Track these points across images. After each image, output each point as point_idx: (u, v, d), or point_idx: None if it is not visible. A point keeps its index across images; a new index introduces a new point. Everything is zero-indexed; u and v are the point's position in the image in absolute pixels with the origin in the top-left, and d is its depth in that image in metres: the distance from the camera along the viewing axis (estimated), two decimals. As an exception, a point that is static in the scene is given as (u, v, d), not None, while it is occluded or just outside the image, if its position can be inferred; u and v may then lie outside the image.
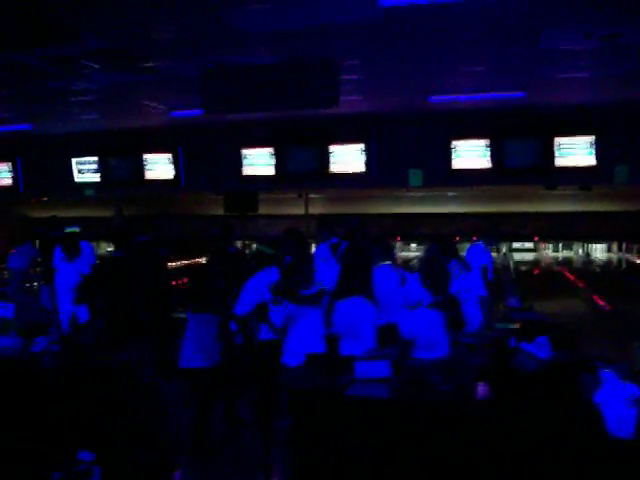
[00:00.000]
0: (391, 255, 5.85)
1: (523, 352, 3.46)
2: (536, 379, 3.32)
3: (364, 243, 5.93)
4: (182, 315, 6.12)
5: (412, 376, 3.46)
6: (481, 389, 3.44)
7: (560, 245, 19.16)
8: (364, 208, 18.96)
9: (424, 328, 3.99)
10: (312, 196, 17.73)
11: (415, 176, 10.18)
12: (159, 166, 10.74)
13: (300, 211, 18.31)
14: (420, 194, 17.99)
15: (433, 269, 4.42)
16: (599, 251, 18.77)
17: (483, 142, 9.44)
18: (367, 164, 9.78)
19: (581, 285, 14.00)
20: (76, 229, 8.82)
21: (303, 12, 4.77)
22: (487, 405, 3.32)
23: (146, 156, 10.77)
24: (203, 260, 18.98)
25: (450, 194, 18.02)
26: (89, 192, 11.73)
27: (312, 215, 18.85)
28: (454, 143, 9.56)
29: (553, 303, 11.39)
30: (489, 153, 9.42)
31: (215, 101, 5.56)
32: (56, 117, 10.07)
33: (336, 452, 3.30)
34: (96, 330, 4.68)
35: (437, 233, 18.99)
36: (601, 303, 11.61)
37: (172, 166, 10.65)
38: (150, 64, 6.72)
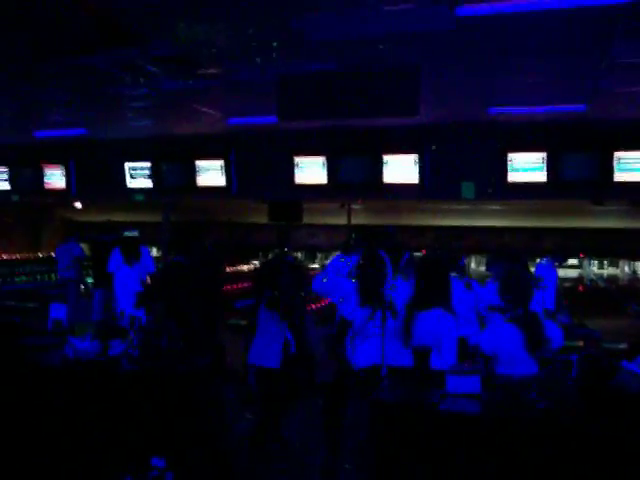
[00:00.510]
0: (458, 267, 5.78)
1: (626, 371, 3.33)
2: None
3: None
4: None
5: (504, 392, 3.37)
6: (579, 407, 3.33)
7: (605, 262, 18.82)
8: (407, 220, 18.85)
9: (505, 343, 3.90)
10: (355, 207, 17.71)
11: (467, 189, 10.06)
12: (211, 173, 10.77)
13: (342, 221, 18.30)
14: (464, 207, 17.83)
15: (516, 282, 4.30)
16: (647, 268, 18.40)
17: (540, 155, 9.29)
18: (420, 175, 9.69)
19: (629, 303, 13.71)
20: (135, 233, 8.83)
21: (379, 22, 4.74)
22: (590, 425, 3.20)
23: (198, 163, 10.81)
24: (245, 268, 19.11)
25: (494, 207, 17.81)
26: (139, 197, 11.82)
27: (354, 226, 18.86)
28: (510, 156, 9.42)
29: (603, 321, 11.16)
30: (545, 166, 9.26)
31: (292, 108, 5.53)
32: (111, 122, 10.18)
33: (428, 468, 3.22)
34: (171, 335, 4.67)
35: (479, 246, 18.92)
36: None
37: (224, 173, 10.67)
38: (213, 70, 6.76)
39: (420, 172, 9.69)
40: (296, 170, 10.26)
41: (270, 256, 22.19)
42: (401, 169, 9.78)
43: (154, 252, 20.69)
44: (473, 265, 19.07)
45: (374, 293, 4.45)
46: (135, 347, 4.27)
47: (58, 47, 5.86)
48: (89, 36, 5.71)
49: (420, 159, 9.67)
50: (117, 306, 7.31)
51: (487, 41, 5.64)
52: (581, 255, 18.54)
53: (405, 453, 3.27)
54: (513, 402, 3.28)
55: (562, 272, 18.87)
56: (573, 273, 18.94)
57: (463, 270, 6.87)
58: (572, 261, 18.81)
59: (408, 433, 3.28)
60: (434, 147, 9.40)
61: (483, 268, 18.79)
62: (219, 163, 10.68)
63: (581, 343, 5.56)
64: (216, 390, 4.53)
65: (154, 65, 6.42)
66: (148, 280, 7.63)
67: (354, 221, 18.61)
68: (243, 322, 7.45)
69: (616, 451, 3.02)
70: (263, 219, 16.15)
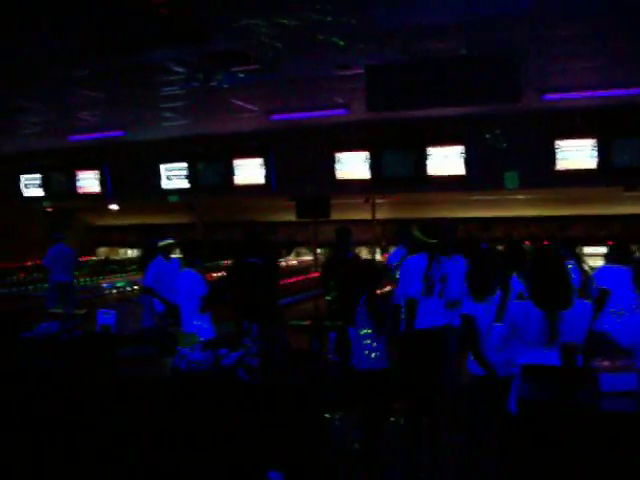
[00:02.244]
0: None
1: None
2: None
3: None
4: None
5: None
6: None
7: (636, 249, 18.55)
8: (431, 212, 18.67)
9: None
10: (378, 201, 17.55)
11: (511, 178, 9.90)
12: (249, 171, 10.61)
13: (366, 216, 18.15)
14: (489, 197, 17.65)
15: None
16: (678, 255, 18.10)
17: (590, 142, 9.10)
18: (466, 167, 9.51)
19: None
20: (170, 241, 8.69)
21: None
22: None
23: (236, 161, 10.65)
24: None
25: (521, 197, 17.60)
26: (173, 198, 11.69)
27: (378, 220, 18.70)
28: (558, 143, 9.23)
29: None
30: (596, 153, 9.07)
31: (381, 99, 5.37)
32: (149, 123, 10.04)
33: (583, 469, 3.05)
34: (283, 344, 4.52)
35: (508, 237, 18.72)
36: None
37: (263, 171, 10.51)
38: (270, 66, 6.61)
39: (466, 163, 9.51)
40: (337, 166, 10.09)
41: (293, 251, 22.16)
42: (446, 161, 9.60)
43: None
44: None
45: (491, 288, 4.25)
46: (253, 356, 4.09)
47: (120, 44, 5.73)
48: (151, 32, 5.58)
49: (466, 150, 9.49)
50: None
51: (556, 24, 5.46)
52: (609, 243, 18.34)
53: (558, 454, 3.10)
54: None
55: (591, 261, 18.75)
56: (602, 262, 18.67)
57: (580, 258, 6.82)
58: (601, 249, 18.60)
59: (562, 433, 3.11)
60: (488, 135, 9.18)
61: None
62: (258, 161, 10.52)
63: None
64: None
65: (214, 61, 6.27)
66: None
67: (378, 216, 18.50)
68: (305, 322, 7.27)
69: None
70: (286, 216, 16.10)
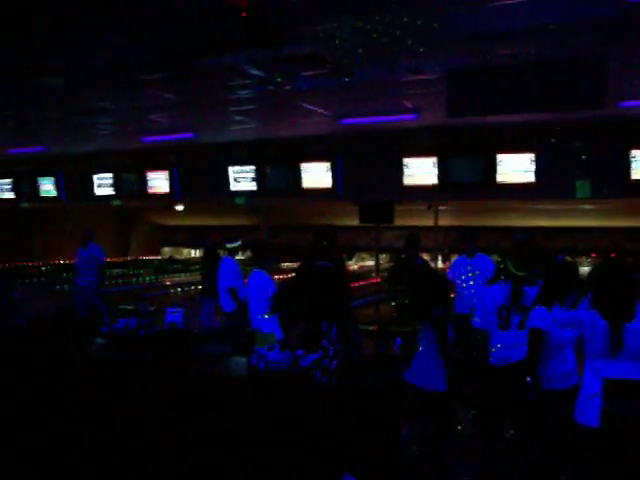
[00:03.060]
0: None
1: None
2: None
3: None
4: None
5: None
6: None
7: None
8: (494, 221, 18.47)
9: None
10: (441, 208, 17.43)
11: (582, 188, 9.69)
12: (316, 175, 10.67)
13: (429, 222, 18.04)
14: (555, 207, 17.34)
15: None
16: None
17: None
18: (537, 174, 9.36)
19: None
20: (239, 243, 8.81)
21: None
22: None
23: (303, 165, 10.73)
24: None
25: (587, 207, 17.23)
26: (240, 200, 11.83)
27: (441, 227, 18.57)
28: (634, 152, 9.01)
29: None
30: (676, 162, 8.82)
31: (462, 104, 5.36)
32: (219, 125, 10.19)
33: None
34: (359, 347, 4.55)
35: (573, 247, 18.36)
36: None
37: (330, 175, 10.55)
38: (345, 69, 6.64)
39: (536, 171, 9.37)
40: (405, 171, 10.06)
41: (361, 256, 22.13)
42: (516, 168, 9.47)
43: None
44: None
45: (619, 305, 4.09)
46: (332, 358, 4.12)
47: (199, 47, 5.83)
48: (230, 36, 5.66)
49: (536, 157, 9.34)
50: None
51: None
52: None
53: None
54: None
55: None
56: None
57: None
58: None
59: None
60: (553, 140, 9.02)
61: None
62: (325, 165, 10.57)
63: None
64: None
65: (288, 64, 6.33)
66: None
67: (440, 222, 18.38)
68: (371, 327, 7.28)
69: None
70: (348, 221, 16.11)
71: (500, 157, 9.51)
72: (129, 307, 8.65)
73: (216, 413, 4.42)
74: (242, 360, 4.80)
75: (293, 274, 7.27)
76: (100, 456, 4.91)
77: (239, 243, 8.88)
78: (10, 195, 14.90)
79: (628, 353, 3.71)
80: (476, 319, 5.40)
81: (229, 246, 8.90)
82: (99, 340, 5.71)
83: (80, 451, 5.03)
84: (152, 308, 9.03)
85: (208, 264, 9.57)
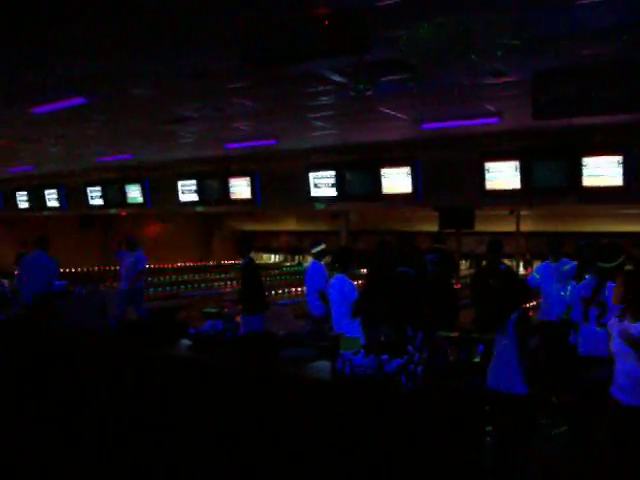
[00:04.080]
0: None
1: None
2: None
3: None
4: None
5: None
6: None
7: None
8: (576, 226, 17.96)
9: None
10: (523, 213, 17.07)
11: (674, 190, 9.30)
12: (396, 180, 10.64)
13: (511, 228, 17.68)
14: (641, 211, 16.72)
15: None
16: None
17: None
18: (625, 177, 9.05)
19: None
20: (323, 246, 8.89)
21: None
22: None
23: (383, 170, 10.73)
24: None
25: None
26: (320, 206, 11.93)
27: (522, 232, 18.19)
28: None
29: None
30: None
31: (549, 106, 5.27)
32: (300, 131, 10.31)
33: None
34: (444, 353, 4.54)
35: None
36: None
37: (409, 180, 10.52)
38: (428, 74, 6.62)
39: (624, 174, 9.05)
40: (487, 175, 9.91)
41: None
42: (603, 171, 9.19)
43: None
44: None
45: None
46: (417, 364, 4.13)
47: (281, 54, 5.93)
48: (313, 43, 5.73)
49: (625, 160, 9.04)
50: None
51: None
52: None
53: None
54: None
55: None
56: None
57: None
58: None
59: None
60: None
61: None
62: (405, 170, 10.54)
63: None
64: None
65: (370, 70, 6.36)
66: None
67: (522, 228, 17.99)
68: (453, 333, 7.20)
69: None
70: (427, 226, 15.95)
71: (586, 160, 9.25)
72: (213, 310, 8.85)
73: (302, 416, 4.49)
74: (326, 364, 4.85)
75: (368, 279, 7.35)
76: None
77: (323, 247, 8.95)
78: (100, 202, 15.48)
79: None
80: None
81: (313, 250, 8.99)
82: (186, 342, 5.88)
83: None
84: (231, 312, 9.25)
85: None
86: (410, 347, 4.25)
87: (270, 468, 4.63)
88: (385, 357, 4.28)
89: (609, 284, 5.33)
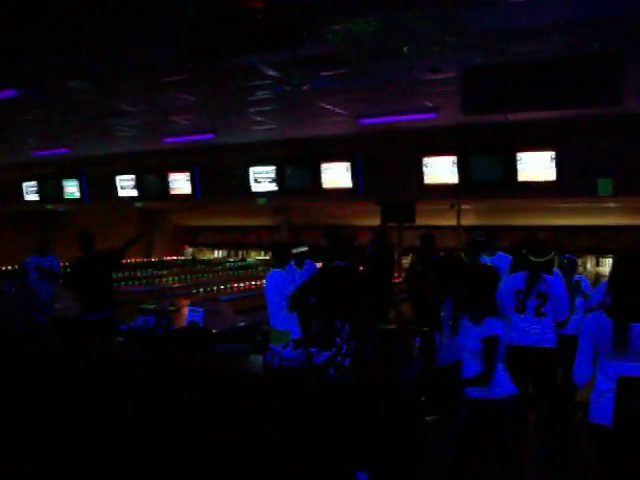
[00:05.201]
0: None
1: None
2: None
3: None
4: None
5: None
6: None
7: None
8: (518, 220, 18.30)
9: None
10: (464, 207, 17.33)
11: (605, 185, 9.57)
12: (336, 175, 10.68)
13: (451, 222, 17.93)
14: (579, 205, 17.14)
15: None
16: None
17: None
18: (558, 172, 9.27)
19: None
20: (305, 248, 8.33)
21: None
22: None
23: (324, 165, 10.75)
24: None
25: (612, 205, 17.01)
26: (262, 201, 11.89)
27: (463, 227, 18.45)
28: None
29: None
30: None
31: (477, 102, 5.33)
32: (239, 126, 10.25)
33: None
34: (374, 346, 4.54)
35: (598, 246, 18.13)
36: None
37: (349, 175, 10.57)
38: (363, 69, 6.66)
39: (557, 169, 9.28)
40: (425, 170, 10.03)
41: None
42: (537, 166, 9.39)
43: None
44: (589, 266, 18.27)
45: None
46: (345, 356, 4.14)
47: (215, 49, 5.88)
48: (246, 37, 5.70)
49: (557, 156, 9.25)
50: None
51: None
52: None
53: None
54: None
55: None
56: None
57: None
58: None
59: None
60: (574, 137, 8.93)
61: (601, 269, 18.07)
62: (345, 165, 10.59)
63: None
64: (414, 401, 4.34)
65: (305, 65, 6.35)
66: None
67: (463, 222, 18.26)
68: (390, 326, 7.26)
69: None
70: (369, 221, 16.06)
71: (520, 155, 9.44)
72: (150, 307, 8.74)
73: (228, 409, 4.47)
74: (259, 358, 4.84)
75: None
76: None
77: (306, 249, 8.13)
78: (35, 197, 15.11)
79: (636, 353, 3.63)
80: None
81: (295, 251, 8.49)
82: (118, 338, 5.80)
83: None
84: (172, 308, 9.12)
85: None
86: (338, 339, 4.26)
87: (199, 461, 4.60)
88: (314, 350, 4.29)
89: (547, 278, 5.49)
